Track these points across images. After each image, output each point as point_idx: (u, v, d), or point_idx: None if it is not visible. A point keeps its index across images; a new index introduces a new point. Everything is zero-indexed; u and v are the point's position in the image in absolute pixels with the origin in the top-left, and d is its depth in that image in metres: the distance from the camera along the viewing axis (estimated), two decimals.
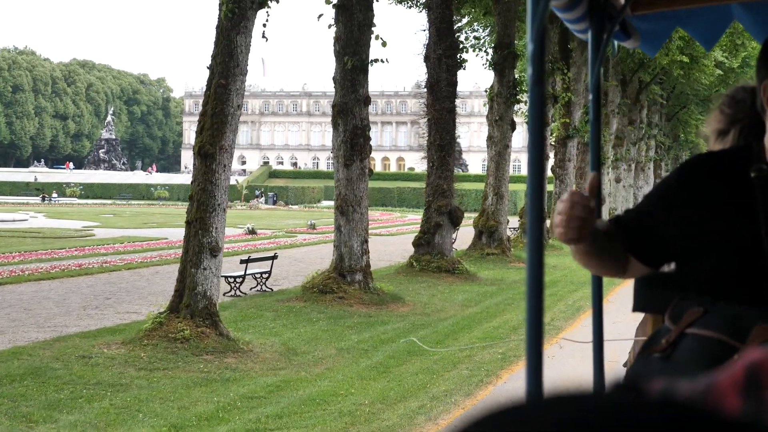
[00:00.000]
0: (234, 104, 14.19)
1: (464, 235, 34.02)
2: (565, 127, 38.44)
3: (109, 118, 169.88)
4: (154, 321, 13.93)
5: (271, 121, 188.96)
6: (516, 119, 30.75)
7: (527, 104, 2.59)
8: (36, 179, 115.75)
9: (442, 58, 24.84)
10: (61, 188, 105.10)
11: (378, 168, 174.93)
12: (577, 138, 40.22)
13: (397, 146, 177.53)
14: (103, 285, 22.84)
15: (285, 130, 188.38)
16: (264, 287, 21.87)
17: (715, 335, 2.41)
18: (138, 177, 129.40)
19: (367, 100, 19.64)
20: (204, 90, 14.69)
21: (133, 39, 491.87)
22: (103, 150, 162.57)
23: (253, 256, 23.51)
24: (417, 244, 25.47)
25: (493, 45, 30.97)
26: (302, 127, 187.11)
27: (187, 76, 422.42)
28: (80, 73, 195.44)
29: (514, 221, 42.22)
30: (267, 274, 22.05)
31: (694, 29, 4.21)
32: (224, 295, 20.78)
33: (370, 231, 20.18)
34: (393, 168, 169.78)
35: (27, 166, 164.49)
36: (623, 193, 58.63)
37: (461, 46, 25.61)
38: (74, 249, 32.63)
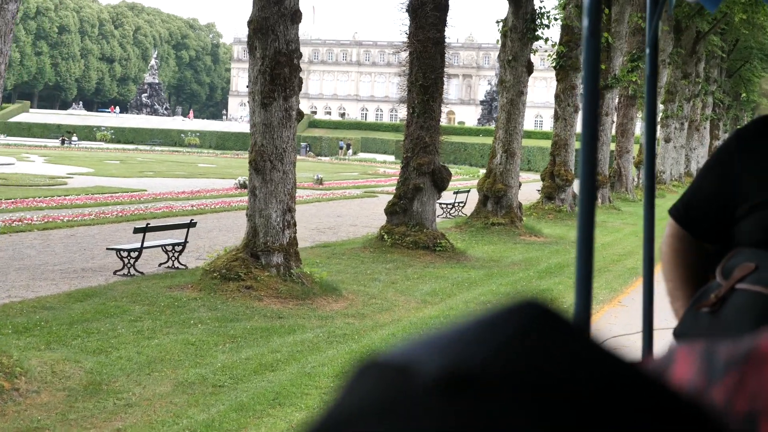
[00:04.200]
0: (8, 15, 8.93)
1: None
2: (602, 75, 32.60)
3: (152, 61, 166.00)
4: None
5: (320, 69, 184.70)
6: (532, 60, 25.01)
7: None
8: (55, 122, 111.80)
9: None
10: (92, 132, 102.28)
11: None
12: (617, 89, 34.49)
13: (448, 99, 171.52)
14: None
15: (334, 80, 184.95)
16: (177, 263, 16.76)
17: (766, 291, 2.15)
18: (176, 123, 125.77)
19: (296, 15, 14.15)
20: None
21: None
22: (145, 94, 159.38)
23: (174, 221, 18.39)
24: (390, 211, 19.84)
25: None
26: (351, 77, 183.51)
27: (237, 22, 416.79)
28: (128, 15, 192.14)
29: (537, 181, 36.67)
30: (180, 247, 16.87)
31: None
32: (114, 273, 15.75)
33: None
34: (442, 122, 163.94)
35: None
36: (673, 154, 52.53)
37: None
38: (14, 200, 27.83)
